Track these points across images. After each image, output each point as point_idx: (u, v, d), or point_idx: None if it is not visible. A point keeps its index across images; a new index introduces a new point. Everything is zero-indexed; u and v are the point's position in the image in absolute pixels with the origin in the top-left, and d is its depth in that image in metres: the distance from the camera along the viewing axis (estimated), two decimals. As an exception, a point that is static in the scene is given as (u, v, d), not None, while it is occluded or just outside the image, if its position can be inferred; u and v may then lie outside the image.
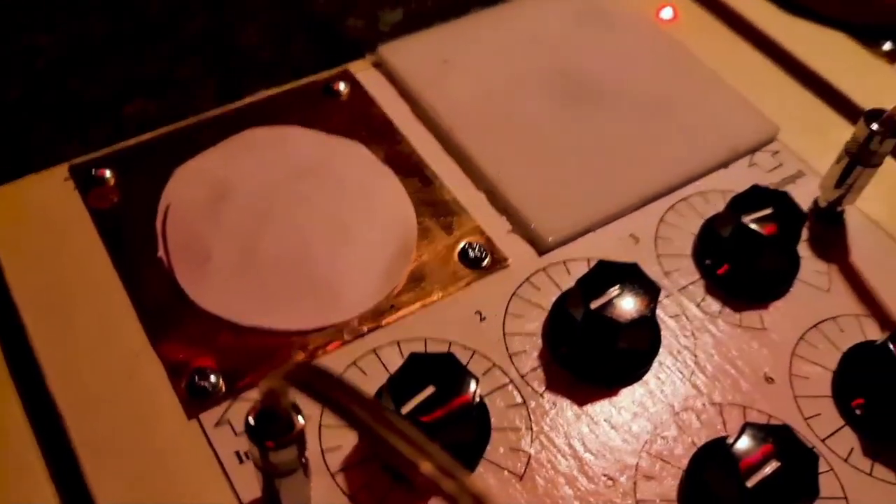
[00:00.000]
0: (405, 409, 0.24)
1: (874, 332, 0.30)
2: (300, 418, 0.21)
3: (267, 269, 0.29)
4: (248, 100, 0.35)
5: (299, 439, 0.21)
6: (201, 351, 0.27)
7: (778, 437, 0.24)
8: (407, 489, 0.25)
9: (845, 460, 0.27)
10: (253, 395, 0.27)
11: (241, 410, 0.26)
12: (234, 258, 0.29)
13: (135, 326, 0.28)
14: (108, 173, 0.31)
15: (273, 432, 0.21)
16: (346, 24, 0.44)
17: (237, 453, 0.25)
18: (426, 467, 0.15)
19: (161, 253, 0.30)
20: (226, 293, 0.29)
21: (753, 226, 0.29)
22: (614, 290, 0.27)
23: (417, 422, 0.24)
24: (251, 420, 0.21)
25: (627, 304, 0.27)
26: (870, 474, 0.26)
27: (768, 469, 0.24)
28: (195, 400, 0.26)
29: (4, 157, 0.36)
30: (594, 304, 0.27)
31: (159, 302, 0.28)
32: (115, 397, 0.26)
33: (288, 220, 0.30)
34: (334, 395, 0.17)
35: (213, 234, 0.30)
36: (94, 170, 0.31)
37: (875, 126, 0.29)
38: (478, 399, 0.25)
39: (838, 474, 0.26)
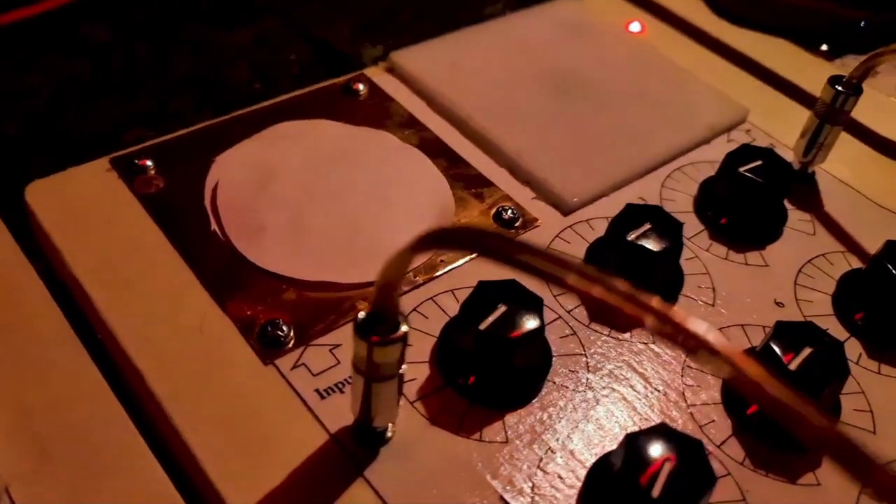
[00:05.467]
0: (483, 326, 0.26)
1: (858, 263, 0.34)
2: (404, 325, 0.22)
3: (320, 234, 0.31)
4: (273, 100, 0.37)
5: (403, 340, 0.23)
6: (268, 307, 0.29)
7: (808, 334, 0.28)
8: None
9: (856, 363, 0.30)
10: (325, 340, 0.28)
11: (315, 354, 0.28)
12: (287, 227, 0.31)
13: (199, 291, 0.29)
14: (149, 162, 0.33)
15: (380, 332, 0.22)
16: (334, 54, 0.47)
17: (317, 391, 0.27)
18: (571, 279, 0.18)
19: (214, 227, 0.31)
20: (285, 256, 0.30)
21: (749, 174, 0.33)
22: (645, 226, 0.30)
23: (497, 337, 0.26)
24: (360, 316, 0.22)
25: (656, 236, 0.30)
26: (878, 373, 0.30)
27: (803, 355, 0.27)
28: (268, 349, 0.28)
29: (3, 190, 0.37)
30: (631, 237, 0.30)
31: (219, 270, 0.30)
32: (189, 352, 0.27)
33: (332, 194, 0.33)
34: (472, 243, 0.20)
35: (264, 209, 0.32)
36: (135, 160, 0.33)
37: (839, 87, 0.34)
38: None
39: (853, 375, 0.30)
